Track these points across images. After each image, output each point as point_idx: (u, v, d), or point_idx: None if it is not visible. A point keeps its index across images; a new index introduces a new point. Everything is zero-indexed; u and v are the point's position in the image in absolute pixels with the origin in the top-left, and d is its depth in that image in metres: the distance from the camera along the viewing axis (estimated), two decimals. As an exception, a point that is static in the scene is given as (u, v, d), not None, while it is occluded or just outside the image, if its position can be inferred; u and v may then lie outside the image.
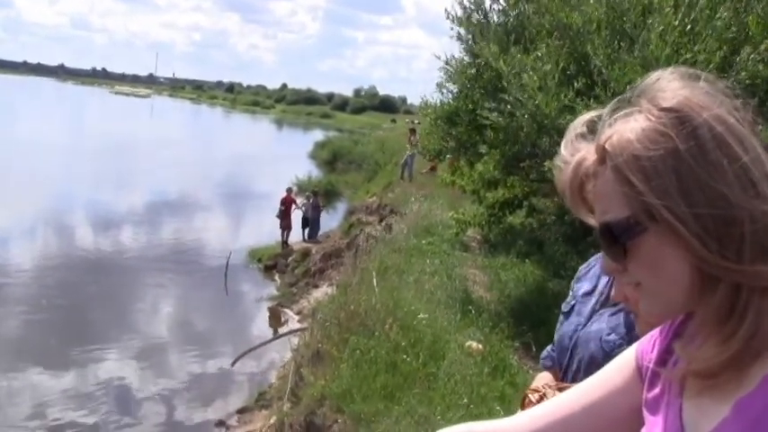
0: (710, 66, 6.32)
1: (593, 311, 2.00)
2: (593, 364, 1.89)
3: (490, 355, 7.30)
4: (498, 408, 5.90)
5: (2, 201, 24.78)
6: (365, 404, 6.03)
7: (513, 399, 6.24)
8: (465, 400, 5.94)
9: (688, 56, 6.47)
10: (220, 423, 11.04)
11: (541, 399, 1.86)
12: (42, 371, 12.13)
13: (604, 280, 2.03)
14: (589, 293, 2.05)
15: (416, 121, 29.09)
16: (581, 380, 1.92)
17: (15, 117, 63.31)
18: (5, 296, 15.43)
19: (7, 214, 22.84)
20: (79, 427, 10.75)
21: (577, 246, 10.38)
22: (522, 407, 1.92)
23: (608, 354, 1.85)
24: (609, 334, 1.90)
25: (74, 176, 32.20)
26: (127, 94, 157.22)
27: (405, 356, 6.76)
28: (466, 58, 10.09)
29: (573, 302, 2.10)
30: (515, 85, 8.02)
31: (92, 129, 60.88)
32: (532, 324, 8.85)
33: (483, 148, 9.59)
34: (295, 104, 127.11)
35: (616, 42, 7.35)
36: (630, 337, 1.82)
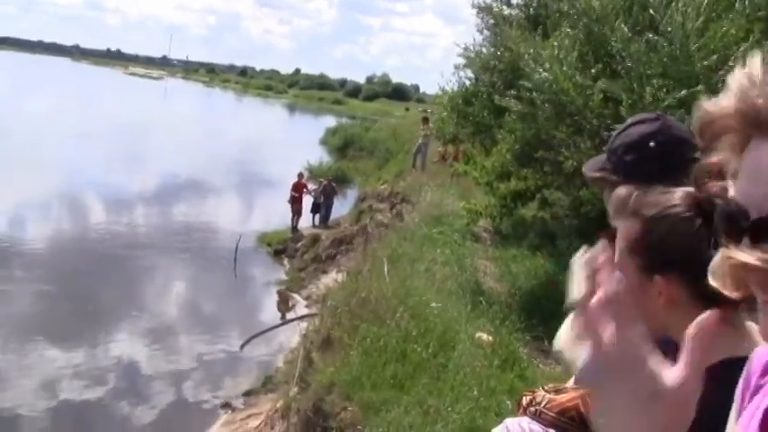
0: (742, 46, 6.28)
1: None
2: None
3: (500, 347, 7.26)
4: (507, 402, 5.85)
5: (16, 179, 24.83)
6: (374, 392, 6.00)
7: (523, 392, 6.19)
8: (474, 393, 5.90)
9: (721, 27, 6.41)
10: (226, 405, 11.08)
11: (530, 403, 1.85)
12: (53, 348, 12.19)
13: None
14: None
15: (429, 110, 28.99)
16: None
17: (30, 96, 63.43)
18: (18, 274, 15.51)
19: (21, 193, 22.88)
20: (88, 403, 10.84)
21: (590, 240, 10.29)
22: (517, 407, 1.93)
23: None
24: None
25: (87, 156, 32.19)
26: (141, 76, 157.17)
27: (415, 346, 6.72)
28: (484, 49, 10.09)
29: None
30: (535, 68, 7.99)
31: (106, 109, 60.90)
32: (543, 318, 8.79)
33: (499, 134, 9.55)
34: (308, 90, 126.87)
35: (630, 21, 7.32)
36: None
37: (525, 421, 1.85)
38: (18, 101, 55.59)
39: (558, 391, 1.87)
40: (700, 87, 6.52)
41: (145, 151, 37.15)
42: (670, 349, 0.87)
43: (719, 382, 0.85)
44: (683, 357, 0.72)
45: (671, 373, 0.71)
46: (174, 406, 11.13)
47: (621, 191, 1.45)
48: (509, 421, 1.90)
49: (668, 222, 1.32)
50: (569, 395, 1.82)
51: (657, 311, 1.35)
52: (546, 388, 1.93)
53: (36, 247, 17.75)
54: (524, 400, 1.91)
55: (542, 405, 1.82)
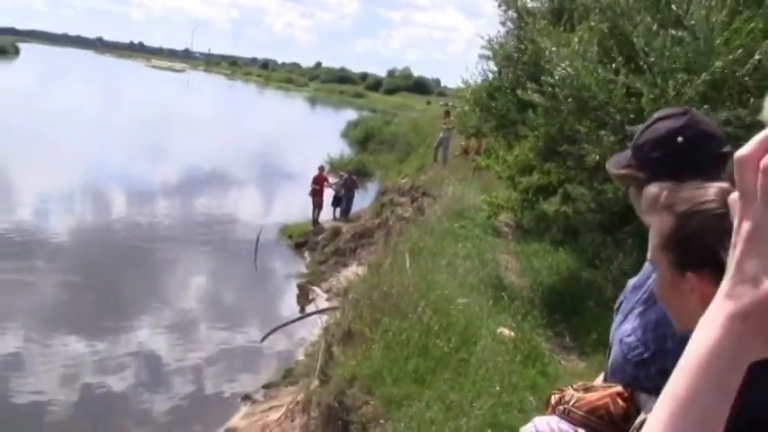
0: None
1: (632, 308, 1.90)
2: (616, 366, 1.83)
3: (522, 343, 7.22)
4: (530, 398, 5.83)
5: (40, 170, 25.09)
6: (396, 387, 5.98)
7: (545, 389, 6.16)
8: (497, 388, 5.87)
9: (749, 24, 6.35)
10: (246, 397, 11.10)
11: (559, 401, 1.84)
12: (75, 338, 12.28)
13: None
14: (639, 287, 1.96)
15: (450, 104, 28.90)
16: (609, 381, 1.87)
17: (54, 88, 64.00)
18: (42, 265, 15.62)
19: (45, 184, 23.11)
20: (109, 392, 10.91)
21: (613, 235, 10.25)
22: (546, 406, 1.91)
23: (626, 356, 1.78)
24: (629, 335, 1.81)
25: (109, 149, 32.38)
26: (163, 68, 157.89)
27: (437, 340, 6.70)
28: (509, 41, 10.05)
29: (622, 299, 2.01)
30: (557, 61, 7.95)
31: (128, 101, 61.26)
32: (565, 314, 8.76)
33: (523, 130, 9.51)
34: (329, 83, 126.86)
35: (659, 16, 7.27)
36: (646, 339, 1.74)
37: (554, 420, 1.84)
38: (43, 93, 56.06)
39: (587, 390, 1.85)
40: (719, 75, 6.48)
41: (167, 144, 37.34)
42: None
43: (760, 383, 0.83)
44: None
45: None
46: (194, 397, 11.17)
47: (655, 187, 1.42)
48: (537, 420, 1.89)
49: (700, 218, 1.29)
50: (599, 394, 1.80)
51: (690, 309, 1.32)
52: (575, 386, 1.90)
53: (59, 239, 17.87)
54: (553, 399, 1.89)
55: (571, 404, 1.81)
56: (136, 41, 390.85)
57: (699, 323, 0.75)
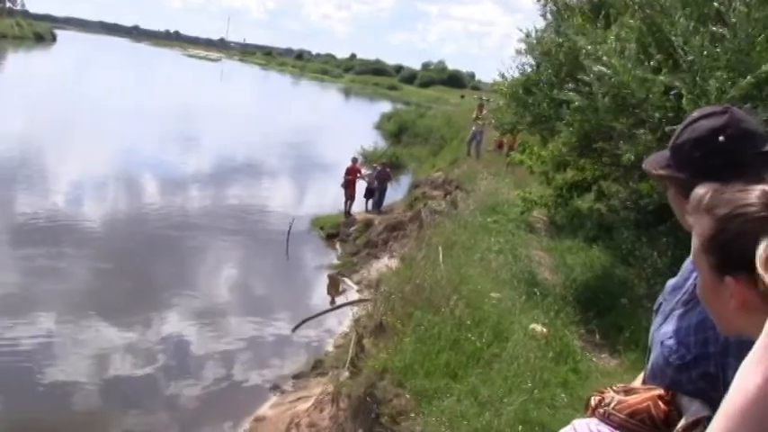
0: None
1: (672, 310, 1.87)
2: (656, 369, 1.81)
3: (554, 339, 7.19)
4: (562, 395, 5.81)
5: (74, 158, 25.40)
6: (427, 380, 5.98)
7: (577, 386, 6.14)
8: (529, 384, 5.85)
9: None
10: (275, 387, 11.15)
11: (599, 403, 1.82)
12: (106, 324, 12.36)
13: (695, 274, 1.91)
14: (678, 288, 1.93)
15: (484, 97, 28.76)
16: (649, 383, 1.85)
17: (92, 75, 64.65)
18: (74, 251, 15.78)
19: (79, 171, 23.39)
20: (139, 379, 10.97)
21: (648, 233, 10.15)
22: (586, 408, 1.89)
23: (666, 359, 1.76)
24: (670, 338, 1.78)
25: (144, 136, 32.67)
26: (199, 57, 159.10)
27: (469, 335, 6.68)
28: (545, 35, 9.97)
29: (661, 300, 1.99)
30: (593, 57, 7.87)
31: (166, 89, 61.75)
32: (598, 311, 8.69)
33: (559, 126, 9.43)
34: (363, 75, 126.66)
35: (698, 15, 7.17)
36: (687, 342, 1.72)
37: (594, 423, 1.82)
38: (80, 80, 56.69)
39: (627, 392, 1.83)
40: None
41: (200, 132, 37.54)
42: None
43: None
44: None
45: None
46: (223, 386, 11.22)
47: (702, 188, 1.41)
48: (577, 422, 1.88)
49: (740, 222, 1.27)
50: (640, 396, 1.78)
51: (730, 313, 1.30)
52: (615, 388, 1.89)
53: (91, 225, 18.05)
54: (593, 401, 1.88)
55: (611, 406, 1.79)
56: (172, 30, 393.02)
57: (742, 364, 0.74)
